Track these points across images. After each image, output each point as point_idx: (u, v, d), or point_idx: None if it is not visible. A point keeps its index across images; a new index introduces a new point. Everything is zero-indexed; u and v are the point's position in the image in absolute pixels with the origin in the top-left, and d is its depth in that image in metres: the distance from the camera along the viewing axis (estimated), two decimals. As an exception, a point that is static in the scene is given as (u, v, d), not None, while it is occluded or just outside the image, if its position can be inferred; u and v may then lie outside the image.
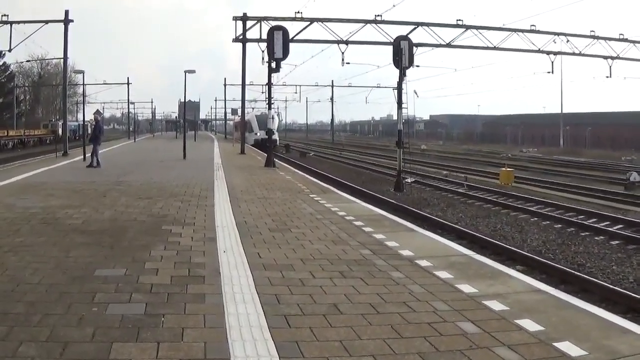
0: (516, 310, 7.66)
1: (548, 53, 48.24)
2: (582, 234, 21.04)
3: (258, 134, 71.51)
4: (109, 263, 9.93)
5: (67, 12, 42.40)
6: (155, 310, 7.46)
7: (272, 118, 52.53)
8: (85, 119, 56.29)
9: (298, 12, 43.73)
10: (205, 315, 7.27)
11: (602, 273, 15.94)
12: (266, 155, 36.70)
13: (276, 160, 36.14)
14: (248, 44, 45.47)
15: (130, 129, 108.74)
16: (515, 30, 46.54)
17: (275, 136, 68.85)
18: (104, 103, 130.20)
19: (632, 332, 6.98)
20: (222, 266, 9.80)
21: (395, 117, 39.75)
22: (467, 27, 45.55)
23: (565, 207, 26.98)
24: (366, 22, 44.01)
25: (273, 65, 34.57)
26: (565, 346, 6.50)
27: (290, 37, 36.83)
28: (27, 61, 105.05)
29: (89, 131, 40.27)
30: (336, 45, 44.63)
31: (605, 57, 49.98)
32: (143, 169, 31.24)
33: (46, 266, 9.66)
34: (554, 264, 16.17)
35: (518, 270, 11.40)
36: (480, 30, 46.21)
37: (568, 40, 48.33)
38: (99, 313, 7.33)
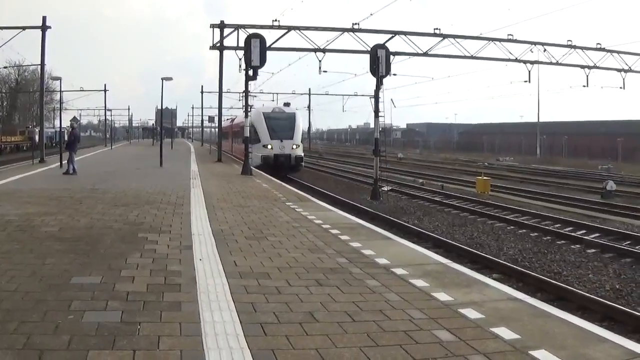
0: (492, 319, 7.69)
1: (525, 62, 48.43)
2: (559, 242, 21.16)
3: (269, 146, 45.46)
4: (85, 271, 9.88)
5: (44, 19, 42.12)
6: (132, 318, 7.42)
7: (295, 119, 48.25)
8: (63, 126, 56.03)
9: (275, 20, 43.71)
10: (181, 324, 7.25)
11: (579, 281, 16.03)
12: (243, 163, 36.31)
13: (253, 168, 36.06)
14: (225, 52, 45.31)
15: (107, 136, 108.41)
16: (492, 40, 46.71)
17: (300, 151, 47.07)
18: (81, 110, 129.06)
19: (608, 341, 7.02)
20: (198, 274, 9.78)
21: (372, 125, 39.83)
22: (444, 36, 45.67)
23: (542, 216, 27.13)
24: (343, 30, 44.05)
25: (250, 73, 34.57)
26: (541, 354, 6.53)
27: (268, 45, 36.76)
28: (4, 67, 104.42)
29: (66, 138, 40.09)
30: (313, 53, 44.60)
31: (582, 67, 50.27)
32: (119, 176, 31.07)
33: (22, 274, 9.59)
34: (530, 272, 16.25)
35: (494, 279, 11.44)
36: (458, 39, 46.32)
37: (545, 50, 48.58)
38: (75, 321, 7.28)
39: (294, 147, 45.88)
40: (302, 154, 47.49)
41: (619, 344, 6.93)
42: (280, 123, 46.99)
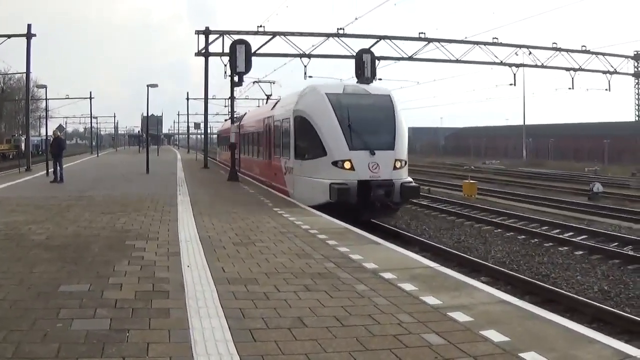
0: (481, 322, 7.69)
1: (510, 65, 48.69)
2: (546, 244, 21.20)
3: (348, 165, 22.85)
4: (73, 278, 9.86)
5: (29, 26, 42.00)
6: (120, 325, 7.40)
7: (393, 108, 24.65)
8: (49, 134, 55.84)
9: (260, 26, 43.84)
10: (170, 330, 7.23)
11: (567, 283, 16.07)
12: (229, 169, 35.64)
13: (240, 174, 35.92)
14: (211, 58, 45.33)
15: (93, 143, 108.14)
16: (477, 43, 46.97)
17: (406, 172, 24.34)
18: (67, 118, 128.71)
19: (597, 342, 7.03)
20: (186, 281, 9.75)
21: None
22: (430, 40, 45.86)
23: (529, 219, 27.15)
24: (329, 35, 44.19)
25: (236, 79, 34.49)
26: (531, 357, 6.54)
27: (253, 50, 36.76)
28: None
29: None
30: (299, 58, 44.66)
31: (568, 69, 50.60)
32: (106, 183, 31.01)
33: (10, 282, 9.57)
34: (518, 275, 16.28)
35: (482, 282, 11.47)
36: (443, 44, 46.57)
37: (530, 53, 48.90)
38: (63, 329, 7.27)
39: (398, 164, 23.36)
40: (412, 182, 24.16)
41: (608, 344, 6.95)
42: (367, 116, 24.30)
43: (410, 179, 23.87)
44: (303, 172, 24.01)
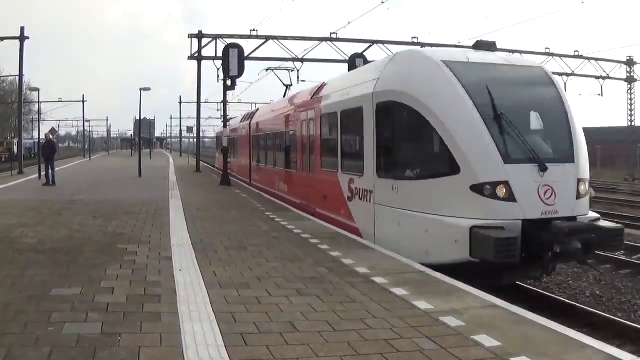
0: (473, 326, 7.70)
1: (503, 70, 48.64)
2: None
3: (503, 192, 12.29)
4: (65, 282, 9.86)
5: (22, 29, 41.97)
6: (112, 329, 7.40)
7: (560, 95, 14.43)
8: (41, 137, 55.76)
9: (253, 30, 43.91)
10: (161, 334, 7.23)
11: (559, 288, 16.05)
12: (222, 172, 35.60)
13: (232, 178, 35.87)
14: (204, 62, 45.39)
15: (86, 147, 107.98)
16: (470, 48, 46.89)
17: (587, 203, 13.51)
18: (60, 121, 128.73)
19: (589, 347, 7.05)
20: (178, 285, 9.74)
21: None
22: (423, 45, 45.81)
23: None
24: (321, 39, 44.23)
25: (228, 82, 34.44)
26: (522, 361, 6.54)
27: (246, 54, 36.84)
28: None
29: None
30: (292, 62, 44.64)
31: (561, 74, 50.71)
32: (98, 187, 30.97)
33: (2, 285, 9.58)
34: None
35: (474, 287, 11.45)
36: (436, 48, 46.55)
37: (523, 57, 48.91)
38: (55, 332, 7.26)
39: (582, 188, 13.23)
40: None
41: (600, 349, 6.96)
42: (521, 102, 13.92)
43: (595, 214, 13.67)
44: (400, 202, 14.18)
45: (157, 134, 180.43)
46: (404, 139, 14.61)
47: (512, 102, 13.37)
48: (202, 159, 53.56)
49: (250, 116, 36.40)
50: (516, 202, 12.21)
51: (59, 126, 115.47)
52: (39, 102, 65.46)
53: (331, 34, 44.04)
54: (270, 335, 7.33)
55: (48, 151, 32.99)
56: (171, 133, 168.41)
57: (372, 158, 15.31)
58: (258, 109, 40.41)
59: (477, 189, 12.34)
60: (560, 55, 50.12)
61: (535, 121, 13.80)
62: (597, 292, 15.64)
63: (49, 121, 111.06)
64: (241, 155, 39.00)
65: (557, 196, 12.47)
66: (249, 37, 43.66)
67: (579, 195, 12.92)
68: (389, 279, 10.40)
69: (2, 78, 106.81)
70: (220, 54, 38.79)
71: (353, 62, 35.49)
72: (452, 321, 7.94)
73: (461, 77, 13.36)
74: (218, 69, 41.27)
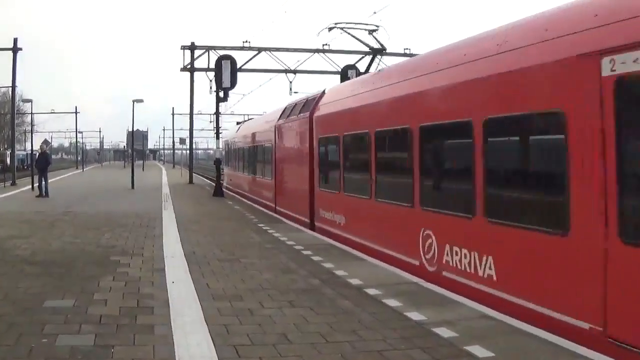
0: (466, 337, 7.70)
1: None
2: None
3: None
4: (58, 294, 9.85)
5: (15, 40, 42.00)
6: (105, 341, 7.39)
7: None
8: (34, 149, 55.60)
9: (246, 42, 43.74)
10: (154, 346, 7.23)
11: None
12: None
13: (225, 190, 35.83)
14: (196, 73, 45.33)
15: (79, 158, 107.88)
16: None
17: None
18: (52, 132, 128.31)
19: (582, 356, 7.04)
20: (171, 297, 9.74)
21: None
22: (414, 56, 45.84)
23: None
24: (314, 51, 44.11)
25: (221, 94, 34.46)
26: (515, 372, 6.55)
27: (239, 66, 36.81)
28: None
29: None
30: (284, 74, 44.62)
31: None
32: (91, 199, 30.97)
33: (-6, 297, 9.53)
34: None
35: (467, 297, 11.46)
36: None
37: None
38: (48, 344, 7.25)
39: None
40: None
41: (593, 359, 6.96)
42: None
43: None
44: None
45: (150, 145, 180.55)
46: None
47: None
48: (201, 172, 53.02)
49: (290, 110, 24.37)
50: None
51: (51, 138, 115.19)
52: (31, 113, 65.33)
53: (323, 45, 43.88)
54: (264, 347, 7.32)
55: (42, 163, 33.01)
56: (164, 144, 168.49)
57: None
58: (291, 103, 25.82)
59: None
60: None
61: None
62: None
63: (41, 132, 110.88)
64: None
65: None
66: (242, 48, 43.52)
67: None
68: (382, 290, 10.39)
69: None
70: (212, 65, 38.66)
71: (345, 73, 35.37)
72: (444, 332, 7.94)
73: None
74: (211, 81, 41.25)
